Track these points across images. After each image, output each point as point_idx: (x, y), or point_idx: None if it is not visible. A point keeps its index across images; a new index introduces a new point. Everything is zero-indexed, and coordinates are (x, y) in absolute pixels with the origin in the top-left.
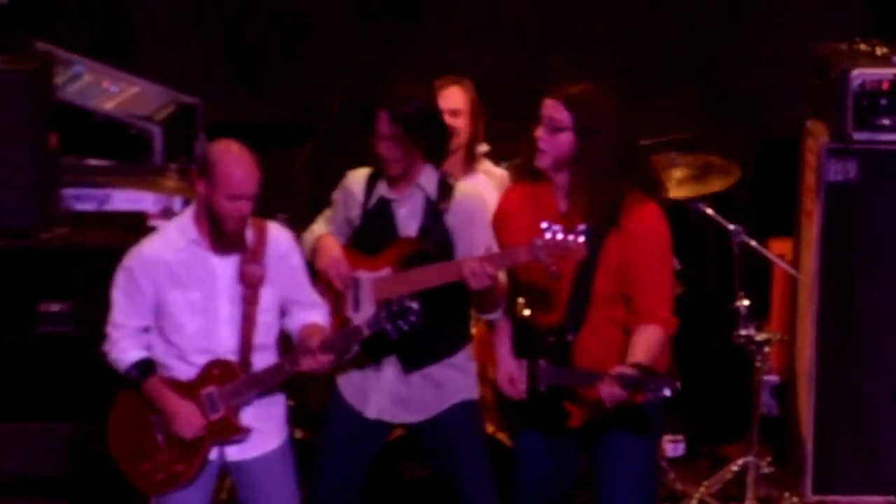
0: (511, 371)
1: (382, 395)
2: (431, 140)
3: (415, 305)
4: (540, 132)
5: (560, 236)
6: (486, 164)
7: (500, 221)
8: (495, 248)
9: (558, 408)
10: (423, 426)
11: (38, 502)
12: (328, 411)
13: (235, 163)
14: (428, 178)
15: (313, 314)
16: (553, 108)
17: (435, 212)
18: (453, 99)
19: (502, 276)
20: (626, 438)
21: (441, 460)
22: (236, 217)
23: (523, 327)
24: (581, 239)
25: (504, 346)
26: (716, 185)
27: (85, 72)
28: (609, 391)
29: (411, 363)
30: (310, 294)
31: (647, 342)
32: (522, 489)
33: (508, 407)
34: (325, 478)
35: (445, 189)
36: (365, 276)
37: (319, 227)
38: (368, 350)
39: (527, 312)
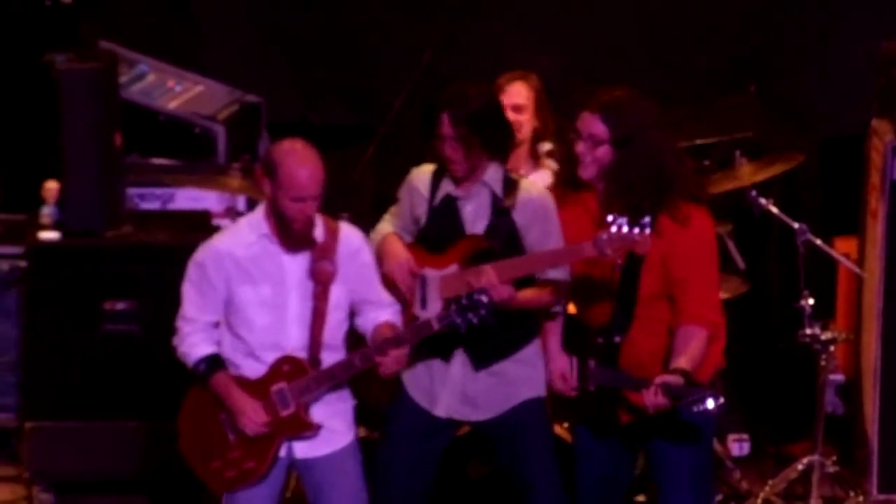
0: (562, 367)
1: (450, 393)
2: (494, 138)
3: (484, 299)
4: (580, 147)
5: (625, 229)
6: (549, 163)
7: None
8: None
9: (607, 406)
10: (491, 424)
11: (102, 501)
12: (393, 409)
13: (299, 164)
14: (493, 175)
15: (386, 313)
16: (590, 123)
17: (500, 208)
18: (516, 94)
19: (564, 273)
20: (676, 441)
21: (508, 458)
22: (302, 218)
23: (572, 324)
24: (647, 231)
25: (554, 343)
26: (781, 168)
27: (149, 71)
28: (653, 399)
29: (480, 360)
30: (381, 293)
31: (691, 345)
32: (582, 486)
33: (561, 401)
34: (391, 477)
35: (510, 185)
36: (431, 273)
37: (385, 226)
38: (436, 348)
39: (571, 309)
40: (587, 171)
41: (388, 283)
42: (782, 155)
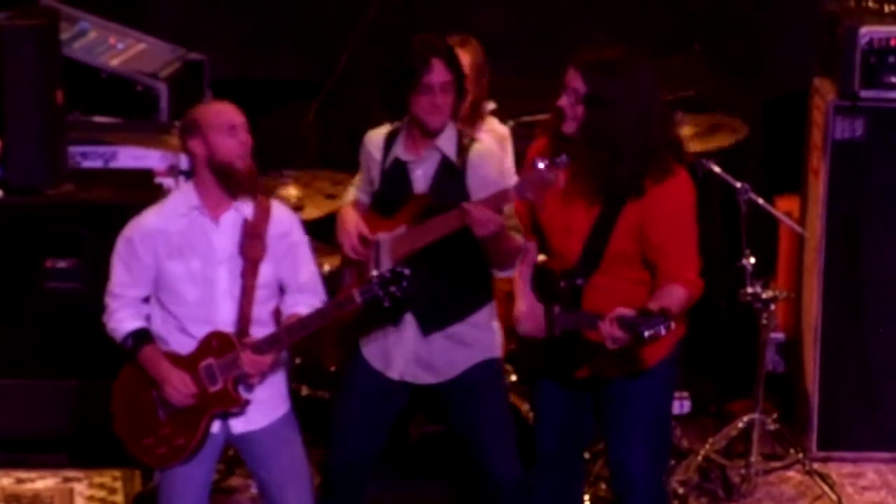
0: (531, 304)
1: (405, 356)
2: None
3: (406, 272)
4: (564, 101)
5: (541, 165)
6: (492, 122)
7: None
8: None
9: (570, 355)
10: (445, 386)
11: (43, 459)
12: (350, 372)
13: (217, 104)
14: (447, 138)
15: (304, 301)
16: (572, 78)
17: (449, 168)
18: None
19: (518, 236)
20: (634, 385)
21: (462, 421)
22: (242, 151)
23: (541, 273)
24: (559, 168)
25: (524, 285)
26: (724, 141)
27: (90, 28)
28: (609, 330)
29: (429, 325)
30: (304, 277)
31: (664, 294)
32: (541, 442)
33: (524, 356)
34: (345, 438)
35: (461, 148)
36: (384, 237)
37: (349, 195)
38: (386, 313)
39: (541, 258)
40: (569, 126)
41: (343, 254)
42: (726, 123)
